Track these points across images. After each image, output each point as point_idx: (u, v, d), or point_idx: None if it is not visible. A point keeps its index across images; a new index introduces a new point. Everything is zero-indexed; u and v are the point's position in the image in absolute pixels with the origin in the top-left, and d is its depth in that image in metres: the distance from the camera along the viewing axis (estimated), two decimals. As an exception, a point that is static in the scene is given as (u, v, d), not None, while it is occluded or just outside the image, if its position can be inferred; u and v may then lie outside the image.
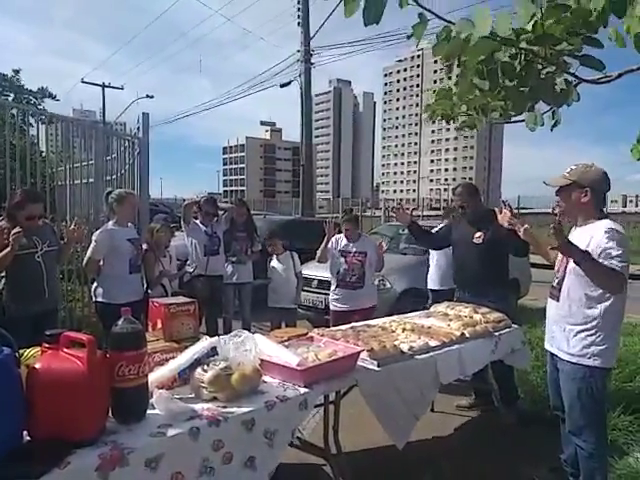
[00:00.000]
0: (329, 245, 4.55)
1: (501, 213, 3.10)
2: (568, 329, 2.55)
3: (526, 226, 2.82)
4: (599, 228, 2.44)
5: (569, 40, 2.18)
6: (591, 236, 2.44)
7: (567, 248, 2.38)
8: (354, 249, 4.50)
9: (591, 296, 2.45)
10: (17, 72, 17.95)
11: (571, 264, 2.50)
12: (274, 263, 5.15)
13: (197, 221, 5.26)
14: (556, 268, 2.70)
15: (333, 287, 4.64)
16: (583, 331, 2.49)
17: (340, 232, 4.67)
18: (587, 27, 2.07)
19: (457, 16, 2.03)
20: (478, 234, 3.79)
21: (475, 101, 2.89)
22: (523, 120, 2.87)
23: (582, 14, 2.01)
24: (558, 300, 2.62)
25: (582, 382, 2.51)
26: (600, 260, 2.35)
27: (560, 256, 2.65)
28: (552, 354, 2.73)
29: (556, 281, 2.66)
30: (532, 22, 2.08)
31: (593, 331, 2.46)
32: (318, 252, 4.59)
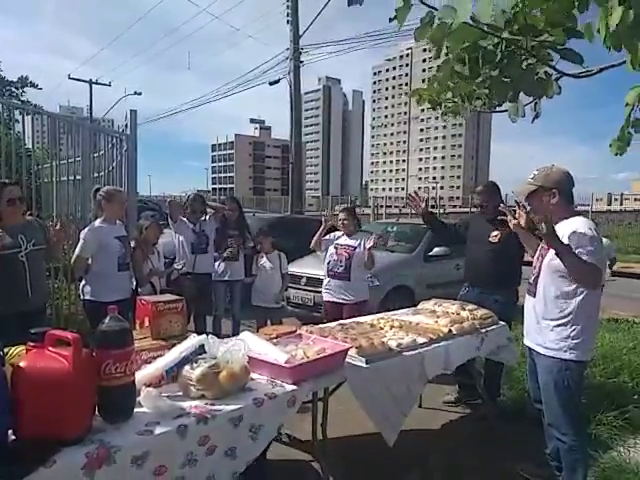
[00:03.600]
0: (326, 237, 4.67)
1: (516, 213, 2.88)
2: (544, 324, 2.61)
3: (515, 221, 2.83)
4: (572, 225, 2.50)
5: (550, 31, 2.20)
6: (563, 234, 2.48)
7: (552, 238, 2.41)
8: (346, 242, 4.61)
9: (566, 291, 2.51)
10: None
11: (546, 260, 2.56)
12: (262, 261, 5.14)
13: (184, 219, 5.23)
14: (533, 264, 2.75)
15: (325, 278, 4.70)
16: (559, 325, 2.54)
17: (336, 229, 4.75)
18: (569, 18, 2.10)
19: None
20: (495, 233, 3.80)
21: (460, 88, 2.91)
22: (506, 110, 2.89)
23: (565, 5, 2.05)
24: (534, 296, 2.68)
25: (558, 375, 2.56)
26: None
27: (537, 253, 2.71)
28: (530, 348, 2.79)
29: (532, 277, 2.72)
30: (514, 11, 2.11)
31: (569, 325, 2.51)
32: (313, 239, 4.67)
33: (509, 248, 3.65)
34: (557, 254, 2.44)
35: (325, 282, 4.68)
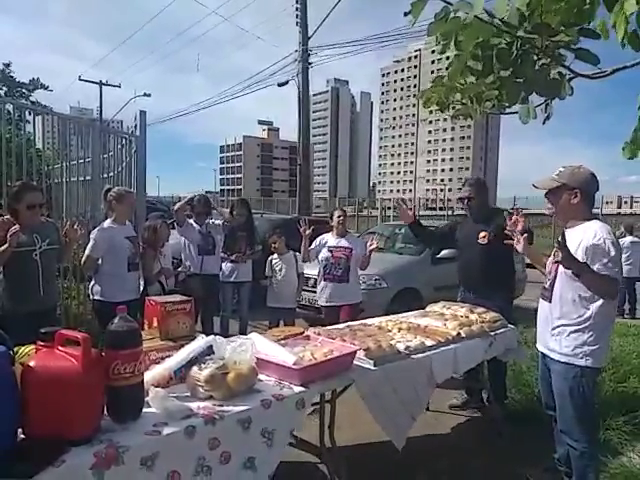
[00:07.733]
0: (313, 245, 4.69)
1: (511, 220, 2.95)
2: (560, 329, 2.57)
3: (524, 235, 2.83)
4: (589, 230, 2.46)
5: (566, 31, 2.18)
6: (581, 239, 2.45)
7: (569, 262, 2.37)
8: (341, 244, 4.60)
9: (583, 297, 2.47)
10: (8, 65, 18.04)
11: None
12: (276, 262, 5.13)
13: (191, 220, 5.24)
14: (547, 269, 2.72)
15: (319, 281, 4.70)
16: (575, 331, 2.51)
17: (318, 234, 4.76)
18: (580, 18, 2.09)
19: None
20: (483, 234, 3.75)
21: (470, 89, 2.88)
22: (516, 112, 2.87)
23: (576, 4, 2.03)
24: (550, 301, 2.64)
25: (573, 382, 2.53)
26: (589, 262, 2.37)
27: (551, 257, 2.67)
28: (544, 354, 2.75)
29: (548, 282, 2.68)
30: (529, 10, 2.09)
31: (586, 331, 2.48)
32: (301, 252, 4.71)
33: (499, 248, 3.55)
34: (574, 274, 2.40)
35: (320, 286, 4.67)
